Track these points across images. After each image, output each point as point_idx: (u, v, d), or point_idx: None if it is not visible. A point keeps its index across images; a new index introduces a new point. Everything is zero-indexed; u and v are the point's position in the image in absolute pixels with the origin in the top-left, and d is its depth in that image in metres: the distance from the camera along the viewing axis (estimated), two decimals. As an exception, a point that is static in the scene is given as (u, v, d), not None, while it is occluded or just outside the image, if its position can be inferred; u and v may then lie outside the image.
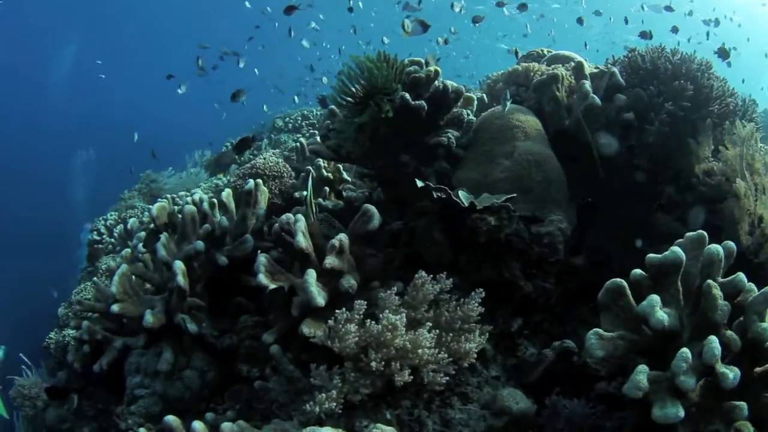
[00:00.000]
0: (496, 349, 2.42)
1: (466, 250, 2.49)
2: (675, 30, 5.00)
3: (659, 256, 1.84)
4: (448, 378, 1.98)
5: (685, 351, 1.62)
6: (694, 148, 2.92)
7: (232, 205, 2.91)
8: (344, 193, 3.33)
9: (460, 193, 2.37)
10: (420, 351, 1.90)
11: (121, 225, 4.88)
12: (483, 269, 2.45)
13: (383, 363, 1.89)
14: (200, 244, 2.51)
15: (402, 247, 2.67)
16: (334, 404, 1.85)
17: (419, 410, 2.05)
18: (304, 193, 3.28)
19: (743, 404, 1.62)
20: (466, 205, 2.31)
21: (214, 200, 2.91)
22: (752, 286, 1.80)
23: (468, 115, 2.86)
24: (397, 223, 2.75)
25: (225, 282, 2.69)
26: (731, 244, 1.88)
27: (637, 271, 1.92)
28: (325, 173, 3.52)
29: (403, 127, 2.63)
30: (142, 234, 2.76)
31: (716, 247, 1.81)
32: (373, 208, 2.37)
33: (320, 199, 3.25)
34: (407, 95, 2.51)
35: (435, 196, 2.35)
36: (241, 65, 6.41)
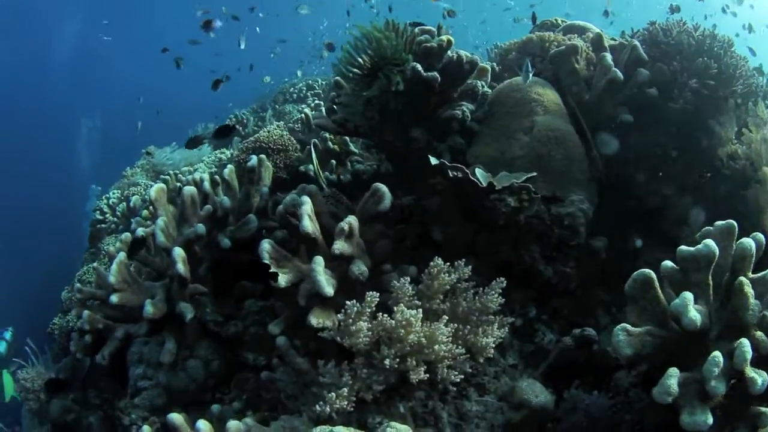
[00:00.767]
0: (514, 335, 2.33)
1: (482, 231, 2.36)
2: (674, 10, 4.58)
3: (691, 249, 1.72)
4: (462, 376, 1.89)
5: (717, 355, 1.52)
6: (717, 130, 2.77)
7: (235, 183, 2.77)
8: (351, 166, 3.18)
9: (478, 171, 2.22)
10: (436, 347, 1.79)
11: (124, 203, 4.77)
12: (501, 252, 2.32)
13: (397, 360, 1.78)
14: (201, 228, 2.38)
15: (414, 225, 2.53)
16: (345, 402, 1.75)
17: (434, 402, 1.95)
18: (310, 166, 3.14)
19: (769, 411, 1.55)
20: (485, 185, 2.16)
21: (216, 177, 2.77)
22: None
23: (483, 87, 2.69)
24: (408, 199, 2.61)
25: (229, 264, 2.58)
26: (761, 236, 1.77)
27: (668, 263, 1.82)
28: (331, 145, 3.37)
29: (414, 100, 2.46)
30: (141, 231, 2.62)
31: (749, 241, 1.70)
32: (384, 188, 2.21)
33: (327, 173, 3.10)
34: (419, 66, 2.33)
35: (451, 174, 2.21)
36: (242, 46, 6.22)
